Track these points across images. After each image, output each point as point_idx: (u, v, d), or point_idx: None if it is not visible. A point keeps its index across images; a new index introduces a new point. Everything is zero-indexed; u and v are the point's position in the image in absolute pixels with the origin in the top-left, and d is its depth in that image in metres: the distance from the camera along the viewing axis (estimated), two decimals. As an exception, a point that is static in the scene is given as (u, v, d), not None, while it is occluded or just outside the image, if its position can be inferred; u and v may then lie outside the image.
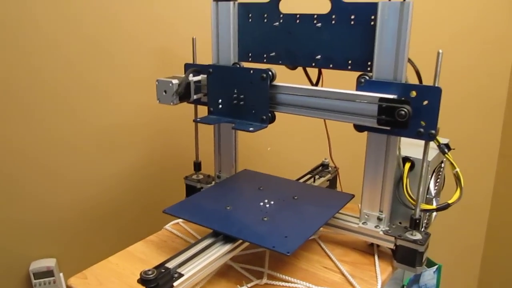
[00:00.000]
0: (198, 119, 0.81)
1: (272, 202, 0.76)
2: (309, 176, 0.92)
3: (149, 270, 0.57)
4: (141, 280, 0.56)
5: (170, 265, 0.61)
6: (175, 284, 0.58)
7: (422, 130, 0.66)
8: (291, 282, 0.69)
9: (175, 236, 0.83)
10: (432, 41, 1.23)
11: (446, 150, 0.76)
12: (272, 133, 1.19)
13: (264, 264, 0.74)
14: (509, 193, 1.41)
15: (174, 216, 0.73)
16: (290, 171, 1.01)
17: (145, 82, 1.12)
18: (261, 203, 0.76)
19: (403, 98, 0.66)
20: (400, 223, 0.78)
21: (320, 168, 0.97)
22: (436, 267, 1.04)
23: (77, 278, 0.70)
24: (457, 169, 0.74)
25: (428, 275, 1.05)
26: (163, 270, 0.59)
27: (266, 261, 0.74)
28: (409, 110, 0.64)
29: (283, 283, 0.69)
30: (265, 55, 0.82)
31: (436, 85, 0.64)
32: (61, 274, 1.15)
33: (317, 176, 0.93)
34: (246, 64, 0.84)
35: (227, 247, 0.67)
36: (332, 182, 0.97)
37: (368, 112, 0.68)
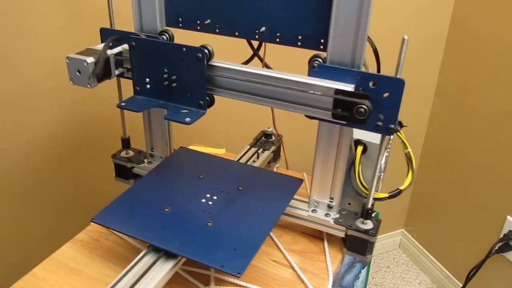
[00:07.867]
0: (122, 104, 0.68)
1: (215, 198, 0.69)
2: (252, 151, 0.85)
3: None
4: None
5: (111, 298, 0.53)
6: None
7: (380, 123, 0.60)
8: (241, 286, 0.65)
9: (107, 232, 0.74)
10: None
11: (398, 128, 0.71)
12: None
13: (209, 264, 0.68)
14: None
15: (104, 227, 0.64)
16: (227, 141, 0.93)
17: (53, 39, 0.93)
18: (203, 200, 0.68)
19: (361, 90, 0.58)
20: (349, 204, 0.74)
21: (263, 138, 0.89)
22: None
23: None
24: (409, 149, 0.70)
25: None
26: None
27: (212, 260, 0.69)
28: (369, 107, 0.57)
29: (232, 288, 0.65)
30: (198, 22, 0.69)
31: (398, 77, 0.57)
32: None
33: (260, 150, 0.85)
34: (175, 31, 0.70)
35: (171, 263, 0.59)
36: (276, 152, 0.90)
37: (321, 104, 0.60)
